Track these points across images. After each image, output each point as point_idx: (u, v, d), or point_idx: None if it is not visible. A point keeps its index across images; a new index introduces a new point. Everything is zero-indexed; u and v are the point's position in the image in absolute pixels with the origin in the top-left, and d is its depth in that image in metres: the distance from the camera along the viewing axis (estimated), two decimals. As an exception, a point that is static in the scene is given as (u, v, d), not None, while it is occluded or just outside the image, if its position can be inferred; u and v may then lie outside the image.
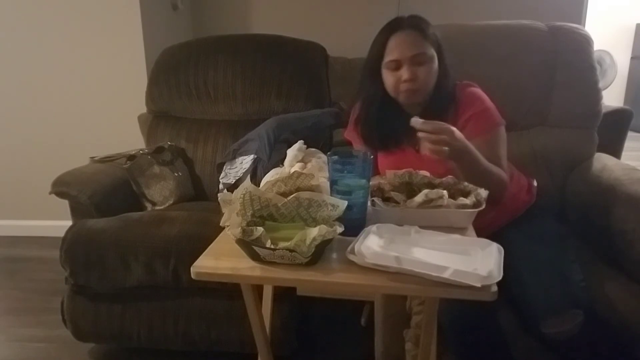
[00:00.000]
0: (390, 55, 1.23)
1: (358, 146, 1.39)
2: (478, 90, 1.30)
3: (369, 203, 0.96)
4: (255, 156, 1.39)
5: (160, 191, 1.74)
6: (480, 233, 0.94)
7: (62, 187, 1.55)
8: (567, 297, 1.04)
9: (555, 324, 1.02)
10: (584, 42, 1.62)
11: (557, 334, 1.02)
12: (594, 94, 1.61)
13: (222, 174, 1.41)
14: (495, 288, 0.73)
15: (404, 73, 1.21)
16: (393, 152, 1.33)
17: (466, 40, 1.66)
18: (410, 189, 1.05)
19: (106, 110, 2.44)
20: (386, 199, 1.01)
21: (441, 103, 1.26)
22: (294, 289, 1.45)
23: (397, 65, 1.23)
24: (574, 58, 1.60)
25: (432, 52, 1.23)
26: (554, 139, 1.60)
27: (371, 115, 1.33)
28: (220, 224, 0.87)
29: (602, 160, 1.54)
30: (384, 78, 1.27)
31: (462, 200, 0.97)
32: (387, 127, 1.30)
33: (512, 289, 1.03)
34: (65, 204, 1.58)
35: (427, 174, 1.07)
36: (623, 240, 1.24)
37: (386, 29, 1.25)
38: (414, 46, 1.21)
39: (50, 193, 1.56)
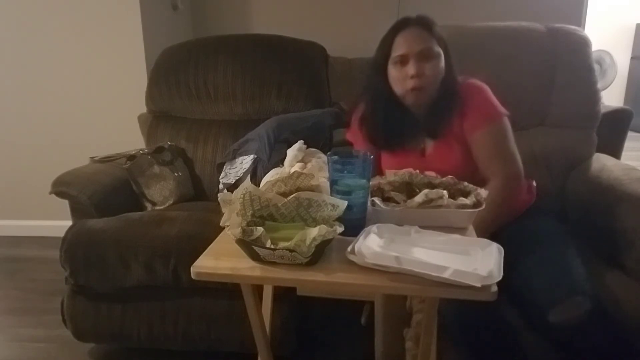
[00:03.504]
0: (397, 51, 1.23)
1: (360, 148, 1.38)
2: (479, 83, 1.30)
3: (369, 203, 0.96)
4: (255, 156, 1.39)
5: (160, 191, 1.74)
6: (480, 233, 0.93)
7: (62, 187, 1.55)
8: (571, 285, 1.03)
9: (562, 312, 1.00)
10: (583, 43, 1.62)
11: (564, 322, 1.00)
12: (593, 95, 1.61)
13: (222, 174, 1.41)
14: (495, 288, 0.73)
15: (411, 68, 1.21)
16: (398, 153, 1.32)
17: (466, 42, 1.66)
18: (410, 189, 1.05)
19: (106, 110, 2.44)
20: (386, 199, 1.01)
21: (446, 103, 1.25)
22: (294, 289, 1.44)
23: (403, 60, 1.23)
24: (573, 59, 1.61)
25: (439, 49, 1.24)
26: (554, 139, 1.60)
27: (377, 115, 1.32)
28: (220, 224, 0.87)
29: (601, 161, 1.54)
30: (390, 75, 1.27)
31: (462, 200, 0.97)
32: (392, 128, 1.30)
33: (514, 286, 1.02)
34: (65, 204, 1.58)
35: (433, 174, 1.07)
36: (623, 239, 1.24)
37: (394, 27, 1.26)
38: (420, 41, 1.21)
39: (50, 193, 1.56)
